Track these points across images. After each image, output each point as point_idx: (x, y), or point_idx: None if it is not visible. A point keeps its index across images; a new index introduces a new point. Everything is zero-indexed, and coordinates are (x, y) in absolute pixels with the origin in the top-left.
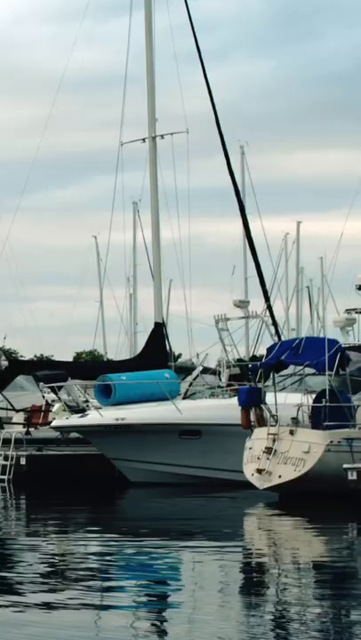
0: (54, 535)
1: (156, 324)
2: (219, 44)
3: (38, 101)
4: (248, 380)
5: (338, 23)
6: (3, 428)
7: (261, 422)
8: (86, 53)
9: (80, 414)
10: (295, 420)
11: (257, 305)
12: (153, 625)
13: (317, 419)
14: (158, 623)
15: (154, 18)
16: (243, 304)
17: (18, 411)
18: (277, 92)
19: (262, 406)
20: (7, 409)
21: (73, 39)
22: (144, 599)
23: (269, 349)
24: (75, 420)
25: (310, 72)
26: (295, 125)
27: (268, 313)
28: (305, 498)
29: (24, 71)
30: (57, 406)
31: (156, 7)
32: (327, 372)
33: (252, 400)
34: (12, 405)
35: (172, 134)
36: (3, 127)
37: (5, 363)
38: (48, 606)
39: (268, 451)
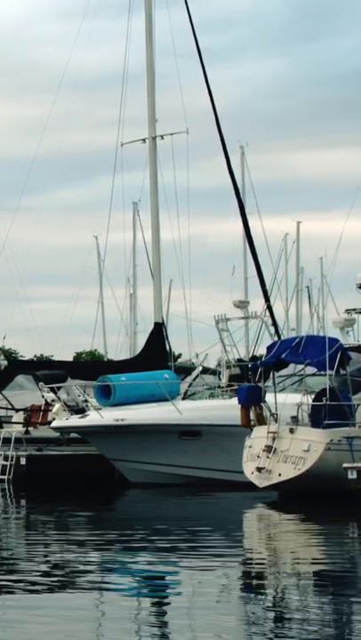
0: (53, 535)
1: (156, 323)
2: (229, 43)
3: (46, 100)
4: (248, 380)
5: (346, 23)
6: (2, 428)
7: (261, 421)
8: (90, 52)
9: (80, 414)
10: (295, 419)
11: (257, 305)
12: (151, 626)
13: (317, 417)
14: (156, 626)
15: (154, 17)
16: (243, 304)
17: (17, 410)
18: (278, 93)
19: (262, 405)
20: (7, 408)
21: (78, 39)
22: (143, 600)
23: (270, 348)
24: (75, 420)
25: (312, 72)
26: (296, 125)
27: (267, 313)
28: (305, 497)
29: (33, 70)
30: (57, 406)
31: (160, 6)
32: (328, 371)
33: (252, 398)
34: (11, 405)
35: (171, 134)
36: (13, 125)
37: (5, 362)
38: (45, 607)
39: (268, 449)
